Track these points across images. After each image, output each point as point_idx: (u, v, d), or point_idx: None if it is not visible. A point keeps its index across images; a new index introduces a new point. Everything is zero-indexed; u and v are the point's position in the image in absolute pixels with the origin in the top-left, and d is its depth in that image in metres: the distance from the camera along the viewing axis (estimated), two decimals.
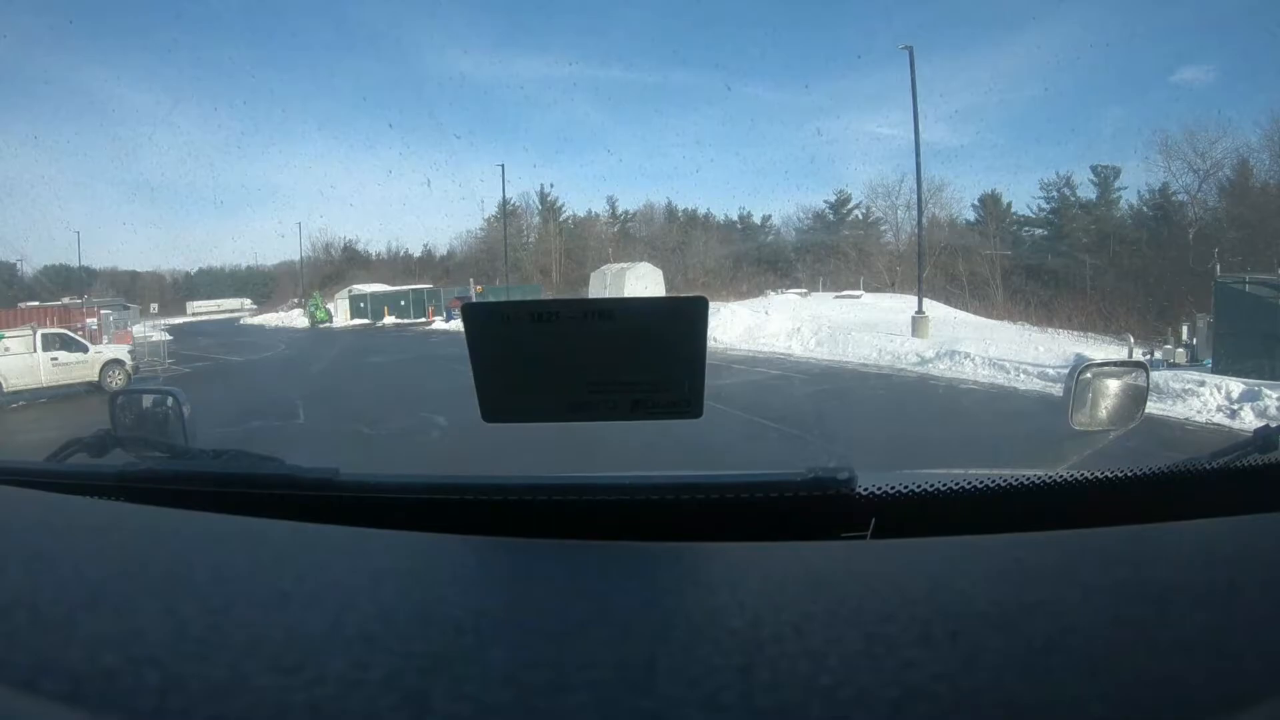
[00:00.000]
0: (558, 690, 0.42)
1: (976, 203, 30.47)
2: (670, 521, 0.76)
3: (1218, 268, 14.94)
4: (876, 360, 13.90)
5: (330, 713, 0.40)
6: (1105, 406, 1.57)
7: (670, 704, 0.41)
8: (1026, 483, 0.76)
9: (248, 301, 37.45)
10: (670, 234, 34.57)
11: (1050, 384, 10.32)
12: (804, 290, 26.93)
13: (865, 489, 0.75)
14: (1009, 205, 30.40)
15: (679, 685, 0.43)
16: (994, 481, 0.76)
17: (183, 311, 35.58)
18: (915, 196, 21.25)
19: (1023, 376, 11.42)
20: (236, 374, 15.05)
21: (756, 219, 35.47)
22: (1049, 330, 19.60)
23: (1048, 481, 0.76)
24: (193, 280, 40.95)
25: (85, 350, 13.63)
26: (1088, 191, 29.11)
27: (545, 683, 0.43)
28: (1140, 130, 39.10)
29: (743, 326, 17.74)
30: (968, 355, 12.69)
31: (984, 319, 20.81)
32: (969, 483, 0.76)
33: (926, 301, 18.25)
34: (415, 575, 0.63)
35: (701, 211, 35.43)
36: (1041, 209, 30.09)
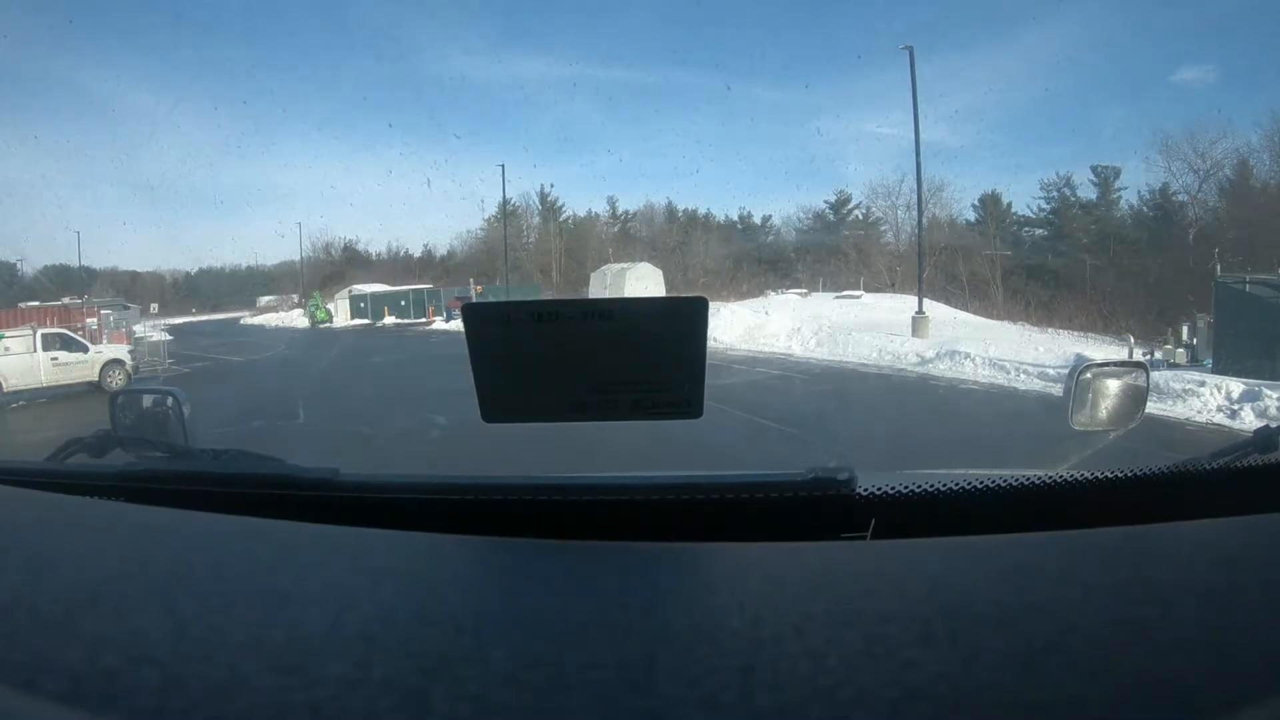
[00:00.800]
0: (558, 690, 0.42)
1: (976, 203, 30.46)
2: (670, 521, 0.75)
3: (1218, 268, 14.89)
4: (877, 360, 13.89)
5: (330, 713, 0.40)
6: (1105, 407, 1.57)
7: (670, 704, 0.41)
8: (1026, 483, 0.76)
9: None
10: (670, 234, 34.53)
11: (1050, 384, 10.31)
12: (804, 290, 26.89)
13: (865, 489, 0.75)
14: (1009, 205, 30.40)
15: (679, 685, 0.43)
16: (994, 482, 0.76)
17: (188, 311, 36.02)
18: (915, 196, 21.26)
19: (1023, 377, 11.41)
20: (237, 374, 15.04)
21: (756, 219, 35.45)
22: (1049, 330, 19.60)
23: (1048, 481, 0.76)
24: (193, 280, 41.21)
25: (85, 350, 13.62)
26: (1088, 191, 29.12)
27: (545, 683, 0.43)
28: (1140, 130, 38.84)
29: (743, 326, 17.72)
30: (968, 355, 12.67)
31: (984, 319, 20.80)
32: (969, 483, 0.76)
33: (927, 302, 18.24)
34: (415, 575, 0.63)
35: (701, 211, 35.42)
36: (1041, 209, 30.09)
